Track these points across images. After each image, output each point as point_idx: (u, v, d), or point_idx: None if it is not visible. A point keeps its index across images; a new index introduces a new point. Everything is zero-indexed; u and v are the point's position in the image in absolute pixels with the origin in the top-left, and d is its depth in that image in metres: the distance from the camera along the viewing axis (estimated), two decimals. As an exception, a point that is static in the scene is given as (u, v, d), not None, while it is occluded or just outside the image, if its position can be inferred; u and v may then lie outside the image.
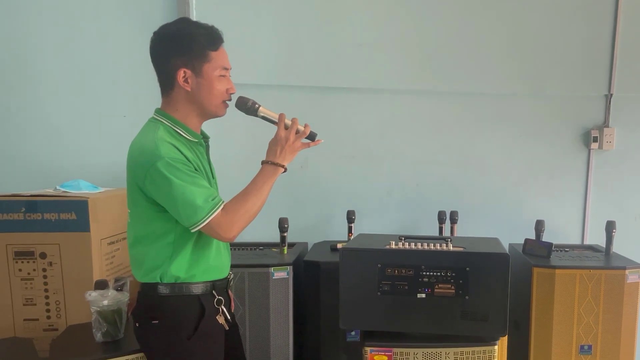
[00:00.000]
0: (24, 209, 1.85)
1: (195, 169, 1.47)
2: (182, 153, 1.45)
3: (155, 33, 1.50)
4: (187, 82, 1.48)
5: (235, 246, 2.39)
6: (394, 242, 1.86)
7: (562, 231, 2.71)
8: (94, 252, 1.89)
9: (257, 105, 1.55)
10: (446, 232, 2.55)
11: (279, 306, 2.14)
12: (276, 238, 2.35)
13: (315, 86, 2.60)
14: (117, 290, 1.78)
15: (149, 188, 1.43)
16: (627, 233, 2.62)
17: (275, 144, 1.53)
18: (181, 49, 1.47)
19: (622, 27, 2.64)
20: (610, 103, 2.70)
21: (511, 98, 2.70)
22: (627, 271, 2.19)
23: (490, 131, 2.72)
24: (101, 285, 1.77)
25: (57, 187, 2.01)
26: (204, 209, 1.42)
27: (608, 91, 2.69)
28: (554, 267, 2.20)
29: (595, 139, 2.70)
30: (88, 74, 2.45)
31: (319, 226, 2.67)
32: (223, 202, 1.47)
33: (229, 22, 2.38)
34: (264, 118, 1.56)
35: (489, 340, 1.81)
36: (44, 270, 1.88)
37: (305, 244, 2.56)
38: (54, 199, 1.87)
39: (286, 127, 1.53)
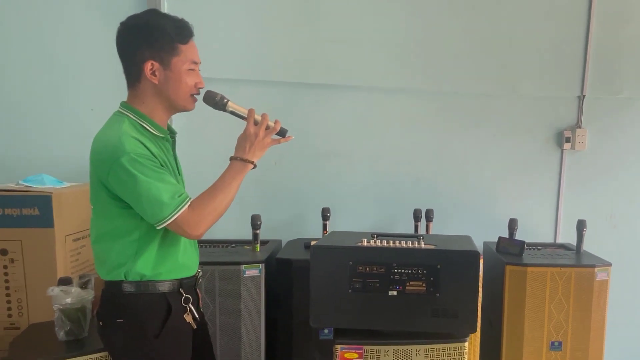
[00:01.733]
0: (-16, 204, 1.79)
1: (161, 165, 1.44)
2: (147, 148, 1.41)
3: (122, 23, 1.46)
4: (155, 75, 1.44)
5: (206, 243, 2.35)
6: (365, 240, 1.85)
7: (535, 230, 2.74)
8: (57, 249, 1.85)
9: (225, 100, 1.52)
10: (422, 230, 2.55)
11: (250, 304, 2.11)
12: (249, 235, 2.31)
13: (289, 82, 2.58)
14: (81, 287, 1.74)
15: (113, 184, 1.39)
16: (598, 232, 2.67)
17: (244, 140, 1.50)
18: (149, 40, 1.43)
19: (595, 29, 2.68)
20: (582, 104, 2.74)
21: (486, 98, 2.72)
22: (596, 269, 2.23)
23: (465, 130, 2.73)
24: (65, 282, 1.73)
25: (20, 182, 1.96)
26: (170, 205, 1.38)
27: (581, 92, 2.73)
28: (526, 265, 2.23)
29: (568, 140, 2.74)
30: (54, 65, 2.38)
31: (293, 223, 2.65)
32: (190, 198, 1.44)
33: (201, 13, 2.37)
34: (232, 113, 1.53)
35: (459, 337, 1.82)
36: (5, 267, 1.84)
37: (279, 241, 2.54)
38: (15, 194, 1.83)
39: (256, 123, 1.50)
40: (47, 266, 1.84)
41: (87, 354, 1.62)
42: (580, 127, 2.75)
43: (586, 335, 2.23)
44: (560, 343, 2.24)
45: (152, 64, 1.43)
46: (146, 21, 1.45)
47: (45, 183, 1.95)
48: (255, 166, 1.51)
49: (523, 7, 2.66)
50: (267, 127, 1.50)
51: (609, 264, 2.27)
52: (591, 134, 2.75)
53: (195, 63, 1.49)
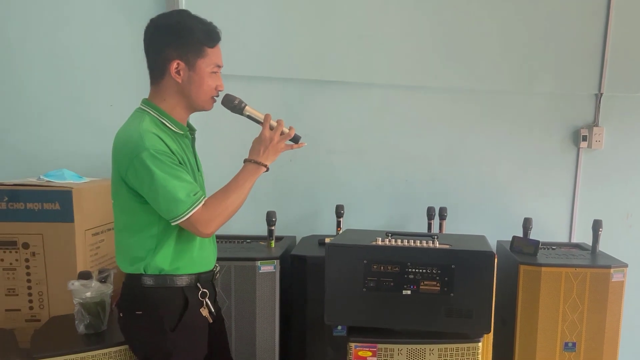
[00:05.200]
0: (6, 198, 1.83)
1: (180, 162, 1.47)
2: (167, 145, 1.44)
3: (152, 21, 1.49)
4: (179, 74, 1.47)
5: (222, 239, 2.37)
6: (380, 239, 1.85)
7: (550, 229, 2.72)
8: (77, 243, 1.87)
9: (243, 104, 1.56)
10: (435, 229, 2.55)
11: (265, 300, 2.13)
12: (264, 231, 2.33)
13: (305, 79, 2.57)
14: (101, 281, 1.77)
15: (131, 179, 1.42)
16: (614, 232, 2.65)
17: (259, 143, 1.53)
18: (178, 41, 1.46)
19: (613, 26, 2.64)
20: (600, 102, 2.71)
21: (502, 95, 2.70)
22: (612, 270, 2.20)
23: (481, 128, 2.71)
24: (84, 276, 1.76)
25: (41, 177, 1.99)
26: (186, 203, 1.41)
27: (598, 90, 2.69)
28: (540, 265, 2.21)
29: (584, 138, 2.71)
30: (74, 61, 2.40)
31: (307, 220, 2.65)
32: (205, 197, 1.47)
33: (219, 10, 2.36)
34: (249, 117, 1.57)
35: (473, 337, 1.81)
36: (27, 260, 1.87)
37: (294, 237, 2.55)
38: (37, 189, 1.86)
39: (271, 128, 1.54)
40: (67, 260, 1.86)
41: (106, 348, 1.64)
42: (597, 125, 2.72)
43: (600, 336, 2.22)
44: (574, 344, 2.23)
45: (177, 64, 1.46)
46: (177, 22, 1.48)
47: (66, 178, 1.98)
48: (268, 169, 1.54)
49: (541, 4, 2.63)
50: (282, 133, 1.54)
51: (625, 265, 2.24)
52: (608, 132, 2.72)
53: (219, 66, 1.53)
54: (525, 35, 2.65)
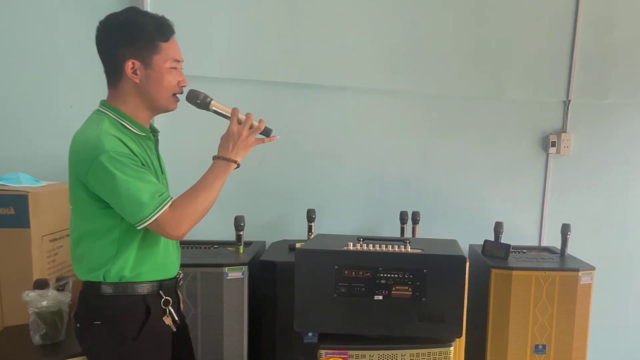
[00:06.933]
0: (-43, 203, 1.74)
1: (142, 164, 1.41)
2: (127, 147, 1.38)
3: (101, 22, 1.43)
4: (136, 74, 1.41)
5: (188, 244, 2.31)
6: (351, 244, 1.83)
7: (520, 233, 2.74)
8: (33, 250, 1.80)
9: (209, 99, 1.49)
10: (408, 233, 2.54)
11: (233, 307, 2.08)
12: (232, 236, 2.28)
13: (275, 81, 2.54)
14: (58, 290, 1.69)
15: (92, 183, 1.36)
16: (582, 235, 2.68)
17: (227, 139, 1.47)
18: (129, 39, 1.40)
19: (581, 34, 2.70)
20: (568, 109, 2.76)
21: (473, 101, 2.72)
22: (580, 273, 2.24)
23: (452, 133, 2.73)
24: (41, 284, 1.69)
25: (-5, 180, 1.90)
26: (150, 205, 1.35)
27: (566, 97, 2.75)
28: (511, 269, 2.24)
29: (553, 144, 2.75)
30: (32, 60, 2.30)
31: (277, 225, 2.62)
32: (171, 198, 1.41)
33: (185, 10, 2.32)
34: (216, 112, 1.50)
35: (445, 341, 1.80)
36: (-21, 268, 1.78)
37: (263, 242, 2.50)
38: (-10, 193, 1.77)
39: (239, 122, 1.48)
40: (22, 267, 1.78)
41: (63, 359, 1.58)
42: (565, 131, 2.77)
43: (569, 338, 2.25)
44: (544, 346, 2.25)
45: (132, 63, 1.40)
46: (125, 19, 1.42)
47: (22, 182, 1.90)
48: (238, 166, 1.48)
49: (510, 12, 2.67)
50: (251, 126, 1.48)
51: (593, 268, 2.29)
52: (576, 138, 2.77)
53: (177, 61, 1.46)
54: (496, 43, 2.68)
